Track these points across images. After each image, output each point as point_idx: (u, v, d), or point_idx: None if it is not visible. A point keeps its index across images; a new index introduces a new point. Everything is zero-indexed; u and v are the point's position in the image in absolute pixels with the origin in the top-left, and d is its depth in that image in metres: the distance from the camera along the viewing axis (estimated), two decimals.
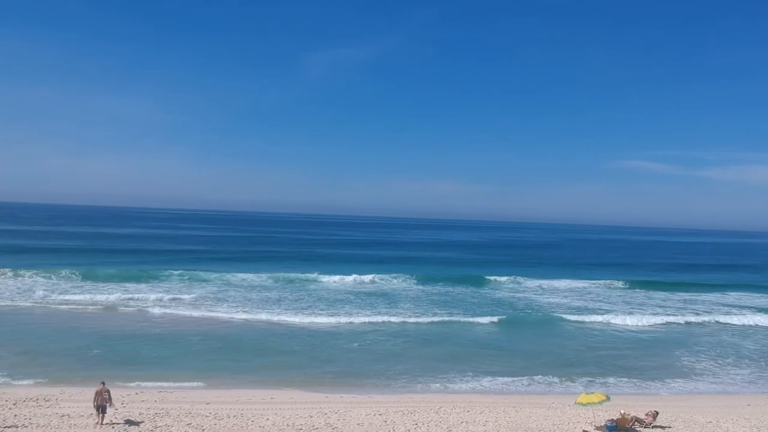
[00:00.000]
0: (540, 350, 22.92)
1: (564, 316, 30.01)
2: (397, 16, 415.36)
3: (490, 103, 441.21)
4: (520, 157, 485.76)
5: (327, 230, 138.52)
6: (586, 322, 28.96)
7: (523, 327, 27.64)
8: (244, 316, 26.61)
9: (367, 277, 39.70)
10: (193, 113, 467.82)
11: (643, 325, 28.71)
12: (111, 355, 19.53)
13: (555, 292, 39.63)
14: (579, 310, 32.03)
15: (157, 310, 27.01)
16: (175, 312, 26.83)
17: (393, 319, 27.19)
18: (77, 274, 35.76)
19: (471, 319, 28.14)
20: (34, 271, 35.46)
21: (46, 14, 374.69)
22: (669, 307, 34.42)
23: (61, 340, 21.15)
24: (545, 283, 42.47)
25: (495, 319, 28.36)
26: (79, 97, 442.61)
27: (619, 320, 29.25)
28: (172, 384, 16.81)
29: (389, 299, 32.98)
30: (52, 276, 34.91)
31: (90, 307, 27.55)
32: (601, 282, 43.98)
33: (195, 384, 16.89)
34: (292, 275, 39.89)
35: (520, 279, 43.45)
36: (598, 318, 29.66)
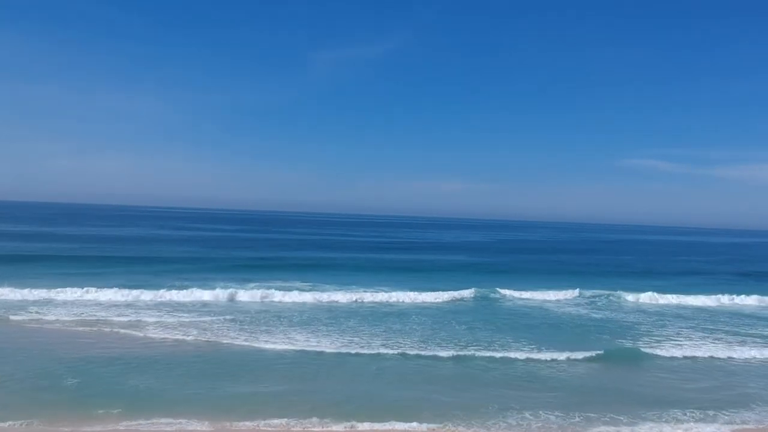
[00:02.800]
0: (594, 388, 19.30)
1: (611, 338, 26.28)
2: (402, 14, 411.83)
3: (497, 101, 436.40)
4: (525, 155, 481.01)
5: (331, 230, 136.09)
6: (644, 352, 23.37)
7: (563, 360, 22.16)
8: (245, 338, 23.81)
9: (380, 294, 34.84)
10: (198, 111, 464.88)
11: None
12: (88, 385, 16.94)
13: (575, 303, 36.46)
14: (613, 330, 28.57)
15: (153, 329, 24.35)
16: (172, 331, 24.21)
17: (407, 348, 23.67)
18: (64, 284, 32.56)
19: (504, 354, 22.31)
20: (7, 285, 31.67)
21: (51, 12, 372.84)
22: (688, 318, 31.81)
23: (31, 366, 18.53)
24: (562, 294, 38.72)
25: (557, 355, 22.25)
26: (86, 95, 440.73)
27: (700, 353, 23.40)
28: (144, 423, 14.43)
29: (402, 318, 29.56)
30: (32, 287, 31.41)
31: (74, 326, 24.82)
32: (628, 293, 38.92)
33: (173, 426, 14.45)
34: (293, 286, 37.41)
35: (538, 292, 38.93)
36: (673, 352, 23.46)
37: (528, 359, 21.77)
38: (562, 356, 21.94)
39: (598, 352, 22.51)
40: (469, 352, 22.47)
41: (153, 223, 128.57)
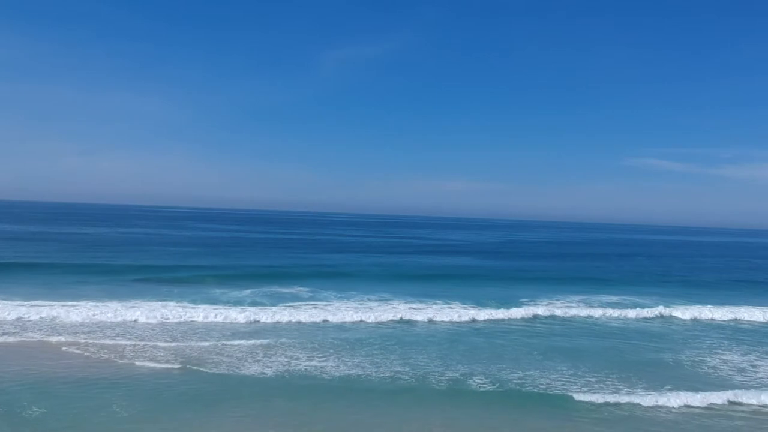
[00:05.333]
0: None
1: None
2: (405, 13, 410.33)
3: (500, 100, 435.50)
4: (529, 154, 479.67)
5: (335, 230, 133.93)
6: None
7: None
8: (238, 360, 20.87)
9: (394, 309, 30.47)
10: (204, 111, 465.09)
11: None
12: (53, 415, 14.37)
13: (640, 321, 30.99)
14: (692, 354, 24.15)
15: (131, 351, 21.31)
16: (153, 352, 21.39)
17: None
18: (38, 296, 29.59)
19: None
20: None
21: (58, 12, 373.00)
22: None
23: None
24: (620, 310, 32.50)
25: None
26: (92, 95, 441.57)
27: None
28: None
29: (416, 340, 26.54)
30: (2, 300, 28.08)
31: (41, 347, 21.87)
32: (683, 307, 33.77)
33: None
34: (291, 293, 34.53)
35: (586, 308, 32.80)
36: None
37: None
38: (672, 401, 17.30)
39: (718, 396, 17.68)
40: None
41: (152, 223, 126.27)
